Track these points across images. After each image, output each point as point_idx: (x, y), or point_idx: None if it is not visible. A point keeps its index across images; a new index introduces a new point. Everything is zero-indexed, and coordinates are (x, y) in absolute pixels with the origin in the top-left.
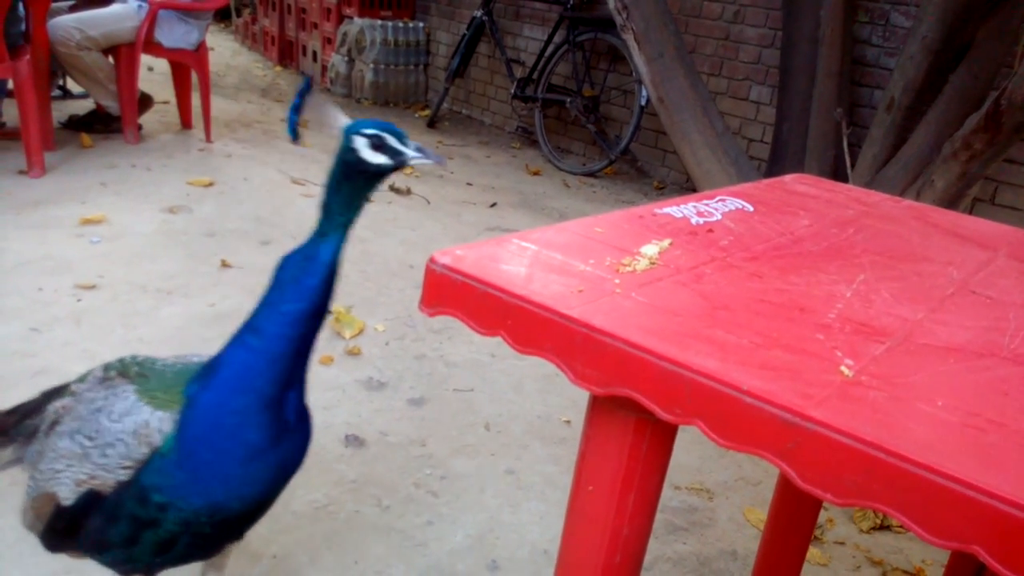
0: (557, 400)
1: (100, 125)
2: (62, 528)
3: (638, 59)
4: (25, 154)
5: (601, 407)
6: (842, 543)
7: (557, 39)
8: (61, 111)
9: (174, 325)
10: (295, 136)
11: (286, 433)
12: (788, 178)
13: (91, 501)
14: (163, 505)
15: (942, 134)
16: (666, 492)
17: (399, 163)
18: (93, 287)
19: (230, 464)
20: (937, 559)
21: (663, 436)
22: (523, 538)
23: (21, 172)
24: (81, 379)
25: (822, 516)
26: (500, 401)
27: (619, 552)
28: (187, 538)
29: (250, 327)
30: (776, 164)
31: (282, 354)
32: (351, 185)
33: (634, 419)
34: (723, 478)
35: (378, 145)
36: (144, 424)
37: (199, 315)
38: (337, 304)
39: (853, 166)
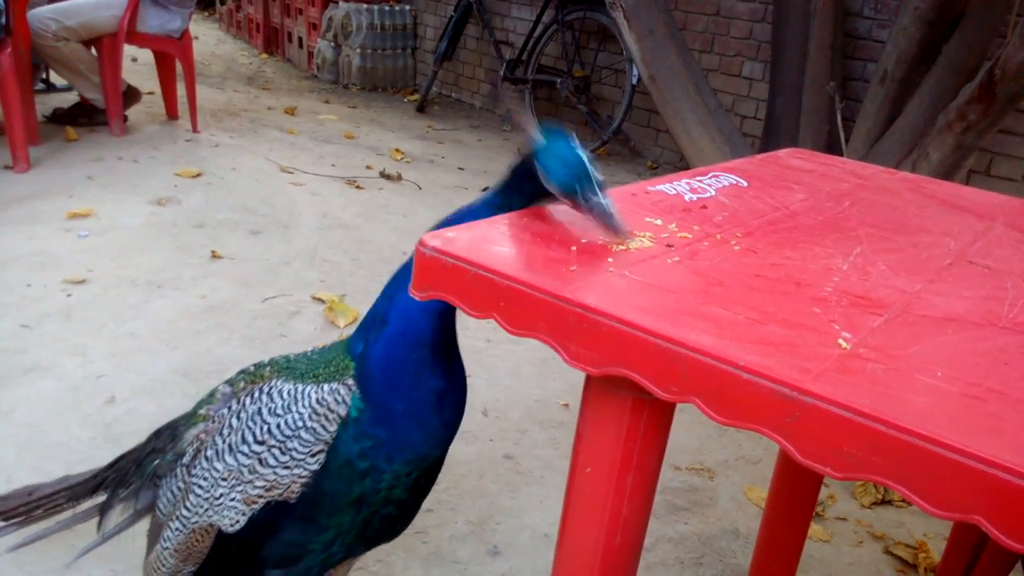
0: (555, 384)
1: (85, 118)
2: (230, 559)
3: (628, 37)
4: (9, 149)
5: (597, 387)
6: (844, 519)
7: (546, 19)
8: (45, 104)
9: (165, 318)
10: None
11: (456, 378)
12: (782, 152)
13: (273, 515)
14: (367, 471)
15: (936, 106)
16: (666, 473)
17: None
18: (83, 281)
19: (423, 408)
20: (939, 532)
21: (660, 415)
22: (523, 523)
23: (6, 167)
24: (206, 402)
25: (823, 492)
26: (497, 386)
27: (619, 533)
28: (385, 509)
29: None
30: (770, 140)
31: (447, 309)
32: (533, 189)
33: (631, 398)
34: (723, 457)
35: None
36: (320, 401)
37: (190, 307)
38: (330, 293)
39: (847, 141)
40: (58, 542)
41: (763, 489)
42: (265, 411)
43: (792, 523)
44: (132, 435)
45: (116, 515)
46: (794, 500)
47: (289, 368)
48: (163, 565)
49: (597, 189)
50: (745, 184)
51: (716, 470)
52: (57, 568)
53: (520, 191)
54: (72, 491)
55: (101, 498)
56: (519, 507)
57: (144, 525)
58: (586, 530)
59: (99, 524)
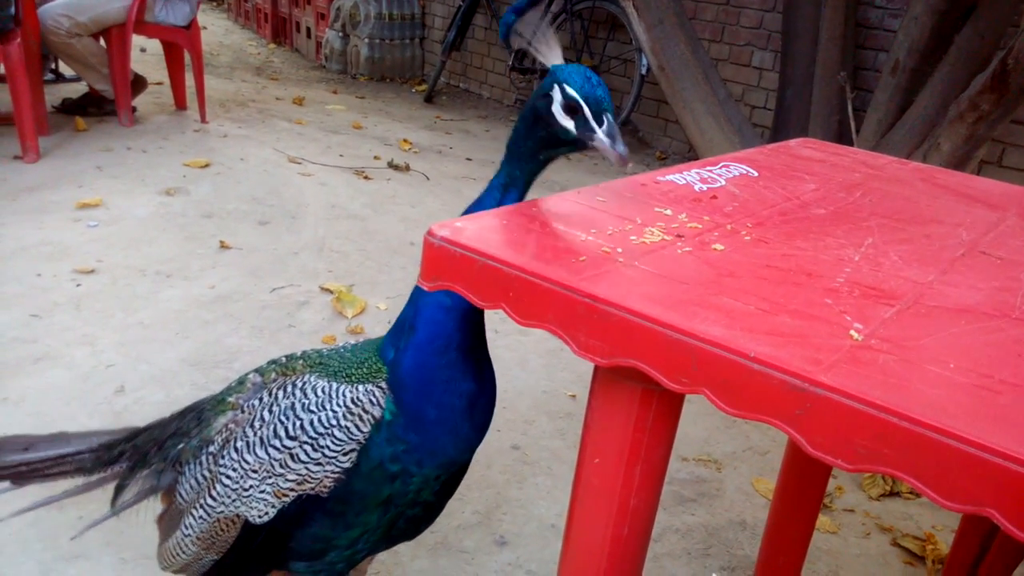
0: (562, 375)
1: (94, 108)
2: (256, 550)
3: (637, 27)
4: (19, 139)
5: (605, 378)
6: (851, 510)
7: (555, 8)
8: (54, 95)
9: (174, 308)
10: (507, 40)
11: (487, 375)
12: (793, 142)
13: (304, 508)
14: (397, 474)
15: (948, 96)
16: (674, 463)
17: (583, 139)
18: (92, 271)
19: (455, 415)
20: (947, 524)
21: (669, 406)
22: (530, 513)
23: (16, 157)
24: (235, 389)
25: (831, 484)
26: (505, 377)
27: (627, 524)
28: (411, 511)
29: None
30: (780, 130)
31: (472, 308)
32: (536, 135)
33: (639, 389)
34: (731, 448)
35: (572, 109)
36: (355, 401)
37: (199, 297)
38: (338, 283)
39: (858, 131)
40: (65, 532)
41: (771, 480)
42: (299, 407)
43: (800, 514)
44: (141, 424)
45: (130, 492)
46: (802, 491)
47: (322, 364)
48: (183, 552)
49: (611, 111)
50: (755, 174)
51: (723, 461)
52: (66, 556)
53: (528, 142)
54: (80, 460)
55: (116, 469)
56: (526, 497)
57: (150, 514)
58: (594, 521)
59: (113, 500)
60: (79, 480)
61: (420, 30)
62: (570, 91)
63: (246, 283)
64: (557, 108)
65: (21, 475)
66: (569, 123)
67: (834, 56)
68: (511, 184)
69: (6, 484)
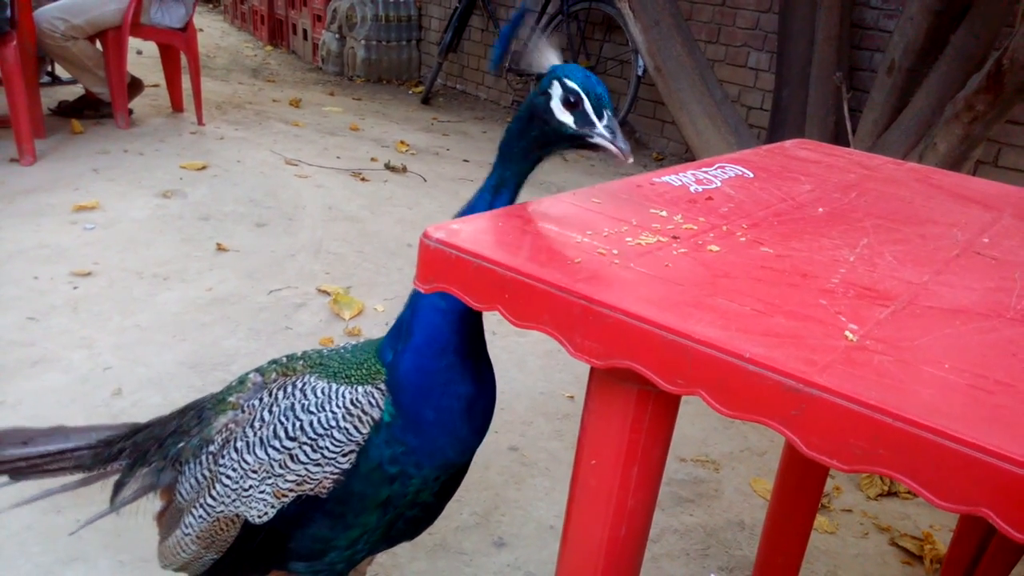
0: (560, 376)
1: (90, 111)
2: (256, 549)
3: (634, 28)
4: (15, 142)
5: (602, 379)
6: (849, 510)
7: (551, 9)
8: (50, 97)
9: (171, 311)
10: (496, 67)
11: (486, 378)
12: (789, 143)
13: (304, 508)
14: (396, 476)
15: (944, 96)
16: (672, 464)
17: (582, 134)
18: (89, 274)
19: (454, 417)
20: (945, 524)
21: (665, 407)
22: (529, 514)
23: (12, 160)
24: (236, 389)
25: (829, 484)
26: (503, 378)
27: (624, 525)
28: (411, 512)
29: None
30: (776, 131)
31: (470, 310)
32: (530, 134)
33: (636, 391)
34: (728, 449)
35: (572, 103)
36: (355, 403)
37: (196, 300)
38: (335, 285)
39: (854, 131)
40: (63, 535)
41: (768, 481)
42: (298, 407)
43: (798, 515)
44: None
45: (130, 490)
46: (800, 492)
47: (322, 365)
48: (183, 551)
49: (610, 108)
50: (751, 175)
51: (721, 462)
52: (63, 559)
53: (521, 142)
54: (79, 457)
55: (115, 466)
56: (524, 499)
57: (148, 516)
58: (591, 522)
59: (112, 498)
60: (78, 476)
61: (416, 32)
62: (571, 84)
63: (243, 285)
64: (556, 103)
65: (19, 470)
66: (568, 118)
67: (830, 57)
68: (502, 186)
69: (4, 479)
